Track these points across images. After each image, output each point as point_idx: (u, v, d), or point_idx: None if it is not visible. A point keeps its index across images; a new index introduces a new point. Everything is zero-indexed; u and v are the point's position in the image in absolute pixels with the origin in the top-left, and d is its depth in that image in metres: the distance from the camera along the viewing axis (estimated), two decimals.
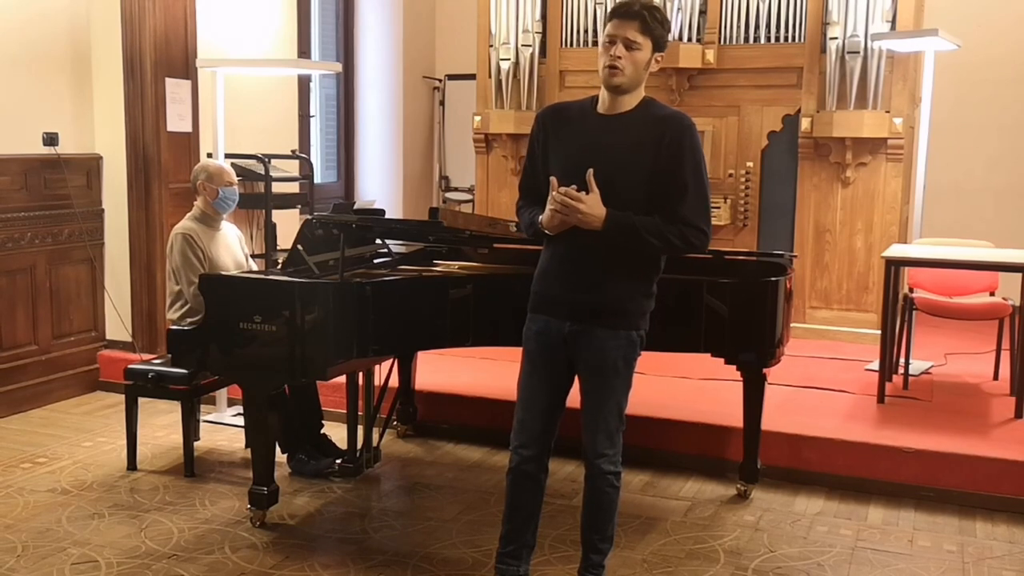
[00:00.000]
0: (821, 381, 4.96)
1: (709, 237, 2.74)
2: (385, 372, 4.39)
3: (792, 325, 4.16)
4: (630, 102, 2.75)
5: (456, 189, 8.40)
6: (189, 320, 3.93)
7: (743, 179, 6.15)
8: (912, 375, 5.00)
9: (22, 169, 5.02)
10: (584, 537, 3.01)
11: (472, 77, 7.08)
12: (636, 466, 4.22)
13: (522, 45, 6.54)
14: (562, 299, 2.81)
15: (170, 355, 3.84)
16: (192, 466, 4.15)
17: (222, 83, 4.89)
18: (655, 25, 2.68)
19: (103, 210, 5.49)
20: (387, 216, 4.23)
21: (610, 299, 2.76)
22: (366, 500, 3.94)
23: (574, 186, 2.67)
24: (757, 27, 6.03)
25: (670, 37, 6.28)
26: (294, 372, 3.53)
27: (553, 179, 2.70)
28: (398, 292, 3.64)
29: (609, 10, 2.78)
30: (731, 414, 4.09)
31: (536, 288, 2.89)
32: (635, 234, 2.68)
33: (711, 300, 3.66)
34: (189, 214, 4.17)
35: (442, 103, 8.53)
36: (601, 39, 2.74)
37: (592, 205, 2.65)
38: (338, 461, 4.14)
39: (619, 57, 2.66)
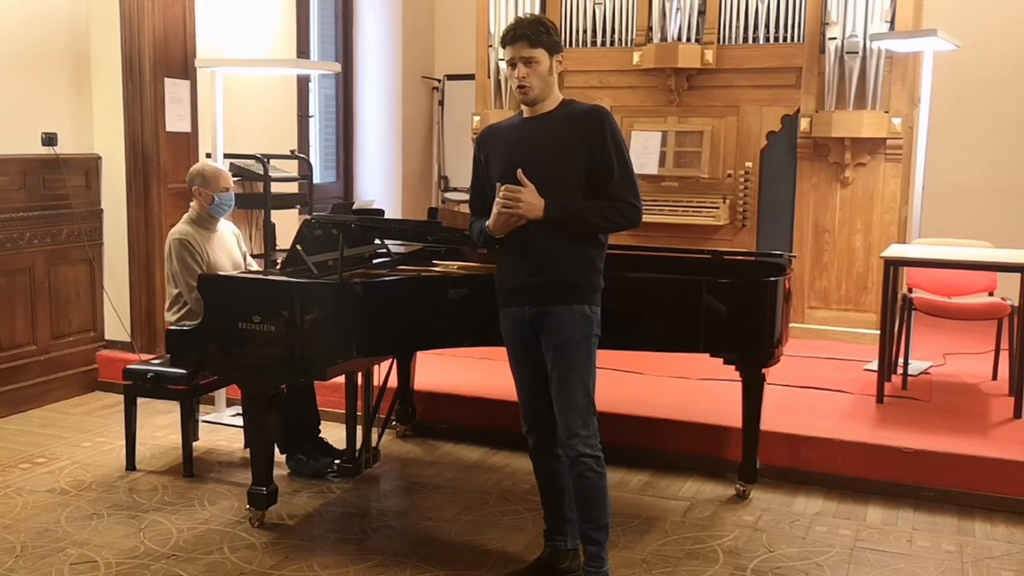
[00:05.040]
0: (820, 381, 4.96)
1: (641, 210, 2.98)
2: (384, 372, 4.39)
3: (791, 325, 4.16)
4: (550, 104, 2.99)
5: (455, 189, 8.40)
6: (187, 323, 3.93)
7: (742, 179, 6.16)
8: (911, 375, 5.00)
9: (21, 169, 5.02)
10: (579, 529, 3.05)
11: (471, 77, 7.08)
12: (635, 466, 4.22)
13: None
14: (520, 287, 3.01)
15: (169, 355, 3.84)
16: (191, 466, 4.14)
17: (221, 83, 4.89)
18: (542, 37, 2.92)
19: (102, 210, 5.49)
20: (386, 216, 4.23)
21: (561, 277, 2.95)
22: (365, 500, 3.94)
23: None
24: (756, 27, 6.04)
25: (669, 37, 6.24)
26: (293, 372, 3.53)
27: (498, 184, 2.92)
28: (397, 292, 3.64)
29: (500, 39, 3.05)
30: (730, 414, 4.09)
31: (498, 286, 3.10)
32: (577, 215, 2.91)
33: (710, 300, 3.66)
34: (185, 216, 4.16)
35: (441, 103, 8.53)
36: (505, 63, 3.03)
37: (530, 196, 2.87)
38: (337, 461, 4.14)
39: (524, 76, 2.92)
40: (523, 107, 3.04)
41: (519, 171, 2.87)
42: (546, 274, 2.94)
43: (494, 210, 2.92)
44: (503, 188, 2.89)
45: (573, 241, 2.94)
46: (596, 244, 3.01)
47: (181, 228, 4.10)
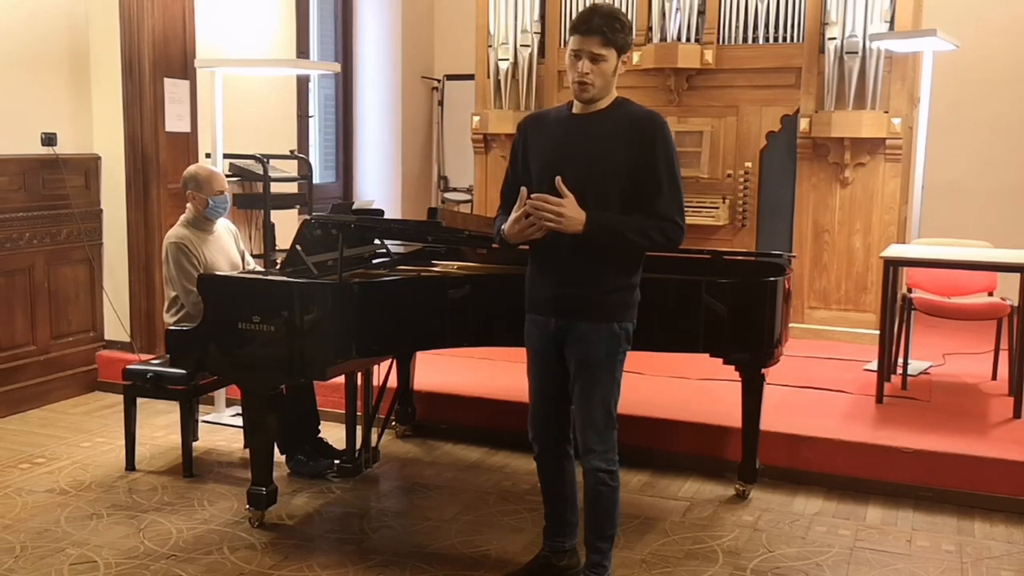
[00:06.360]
0: (820, 381, 4.96)
1: (684, 231, 2.84)
2: (384, 372, 4.39)
3: (791, 325, 4.16)
4: (604, 102, 2.82)
5: (455, 189, 8.40)
6: (186, 324, 3.92)
7: (742, 179, 6.15)
8: (911, 375, 5.00)
9: (20, 169, 5.02)
10: (584, 535, 3.06)
11: (471, 77, 7.08)
12: (634, 466, 4.22)
13: (521, 45, 6.54)
14: (548, 296, 2.90)
15: (169, 355, 3.84)
16: (191, 466, 4.14)
17: (220, 83, 4.89)
18: (617, 36, 2.72)
19: (101, 210, 5.49)
20: (386, 216, 4.23)
21: (592, 293, 2.84)
22: (365, 500, 3.94)
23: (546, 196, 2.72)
24: (756, 27, 6.03)
25: (669, 37, 6.23)
26: (293, 372, 3.53)
27: (523, 189, 2.76)
28: (397, 292, 3.64)
29: (571, 23, 2.80)
30: (729, 414, 4.09)
31: (527, 289, 2.99)
32: (618, 233, 2.76)
33: (710, 300, 3.66)
34: (182, 218, 4.15)
35: (441, 103, 8.53)
36: (568, 51, 2.78)
37: (571, 210, 2.69)
38: (336, 461, 4.14)
39: (587, 72, 2.71)
40: (575, 101, 2.83)
41: (558, 180, 2.68)
42: (576, 288, 2.83)
43: (513, 215, 2.76)
44: (534, 197, 2.69)
45: (608, 256, 2.80)
46: (632, 261, 2.88)
47: (177, 231, 4.09)
